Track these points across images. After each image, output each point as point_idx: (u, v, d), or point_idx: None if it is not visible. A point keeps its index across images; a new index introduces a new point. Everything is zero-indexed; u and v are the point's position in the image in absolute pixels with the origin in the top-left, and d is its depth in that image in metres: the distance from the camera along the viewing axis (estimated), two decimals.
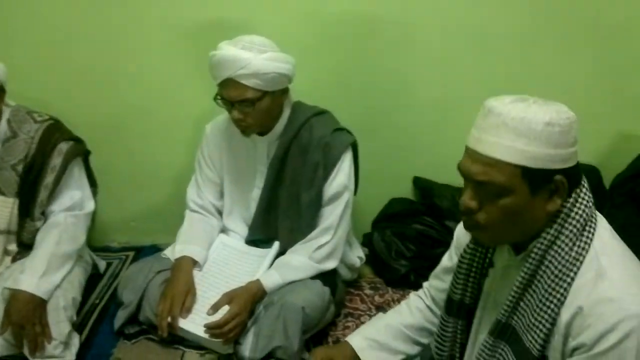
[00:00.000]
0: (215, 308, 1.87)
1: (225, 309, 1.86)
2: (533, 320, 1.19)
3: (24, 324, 1.76)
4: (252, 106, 1.86)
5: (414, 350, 1.67)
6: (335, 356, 1.68)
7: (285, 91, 1.98)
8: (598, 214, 1.24)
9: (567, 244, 1.16)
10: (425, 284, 1.73)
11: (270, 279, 1.94)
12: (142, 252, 2.55)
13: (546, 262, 1.18)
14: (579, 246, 1.16)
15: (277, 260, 2.03)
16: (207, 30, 2.25)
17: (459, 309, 1.44)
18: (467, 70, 2.37)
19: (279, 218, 2.12)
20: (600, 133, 2.47)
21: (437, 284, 1.64)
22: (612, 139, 2.50)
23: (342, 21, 2.29)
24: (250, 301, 1.89)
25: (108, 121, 2.42)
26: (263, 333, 1.82)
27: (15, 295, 1.79)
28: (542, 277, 1.18)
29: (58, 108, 2.18)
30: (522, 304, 1.23)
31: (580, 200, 1.18)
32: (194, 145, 2.23)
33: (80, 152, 2.05)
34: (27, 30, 2.26)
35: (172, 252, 2.07)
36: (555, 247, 1.17)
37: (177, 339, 1.94)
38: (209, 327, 1.82)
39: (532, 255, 1.19)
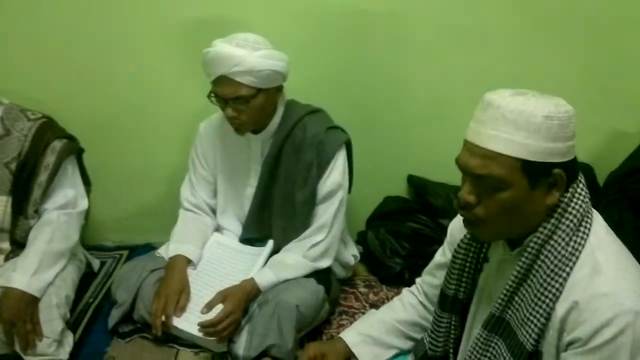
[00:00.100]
0: (209, 307, 1.87)
1: (219, 307, 1.85)
2: (527, 314, 1.19)
3: (15, 321, 1.76)
4: (246, 104, 1.86)
5: (407, 345, 1.67)
6: (328, 351, 1.68)
7: (279, 89, 1.98)
8: (594, 210, 1.24)
9: (563, 239, 1.17)
10: (418, 280, 1.73)
11: (265, 278, 1.94)
12: (136, 250, 2.55)
13: (542, 257, 1.18)
14: (575, 241, 1.17)
15: (271, 259, 2.03)
16: (201, 29, 2.24)
17: (452, 304, 1.44)
18: (461, 68, 2.37)
19: (273, 216, 2.11)
20: (594, 131, 2.47)
21: (430, 280, 1.64)
22: (606, 137, 2.51)
23: (336, 20, 2.29)
24: (244, 300, 1.88)
25: (102, 120, 2.41)
26: (257, 331, 1.82)
27: (6, 293, 1.78)
28: (537, 271, 1.19)
29: (52, 106, 2.17)
30: (516, 298, 1.23)
31: (577, 195, 1.18)
32: (187, 144, 2.22)
33: (74, 150, 2.04)
34: (22, 29, 2.24)
35: (166, 251, 2.06)
36: (552, 242, 1.17)
37: (171, 338, 1.93)
38: (203, 326, 1.82)
39: (528, 249, 1.19)
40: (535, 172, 1.13)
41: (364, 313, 2.15)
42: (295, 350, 1.84)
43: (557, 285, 1.15)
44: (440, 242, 1.64)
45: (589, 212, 1.20)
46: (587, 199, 1.20)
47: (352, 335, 1.69)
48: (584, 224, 1.18)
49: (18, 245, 1.96)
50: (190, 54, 2.19)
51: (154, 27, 2.28)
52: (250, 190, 2.12)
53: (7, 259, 1.96)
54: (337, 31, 2.31)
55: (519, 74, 2.32)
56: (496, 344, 1.28)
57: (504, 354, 1.26)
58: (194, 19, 2.26)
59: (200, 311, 1.87)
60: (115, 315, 1.97)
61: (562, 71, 2.36)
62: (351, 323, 2.05)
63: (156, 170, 2.53)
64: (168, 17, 2.26)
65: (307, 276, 1.97)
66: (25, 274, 1.81)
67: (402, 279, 2.32)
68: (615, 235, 1.24)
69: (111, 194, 2.52)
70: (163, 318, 1.86)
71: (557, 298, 1.15)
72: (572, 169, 1.18)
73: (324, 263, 2.02)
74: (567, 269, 1.15)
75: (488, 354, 1.30)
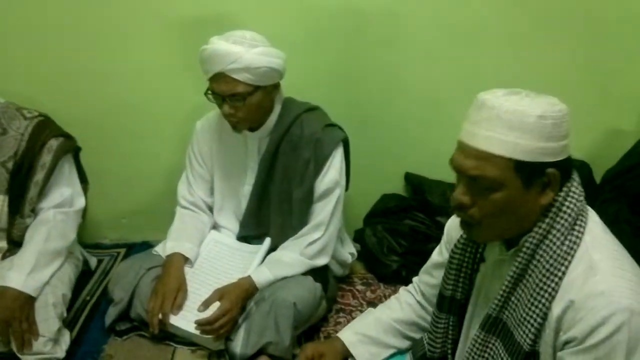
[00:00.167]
0: (206, 304, 1.87)
1: (216, 305, 1.85)
2: (524, 314, 1.19)
3: (11, 321, 1.75)
4: (242, 101, 1.86)
5: (404, 344, 1.67)
6: (326, 351, 1.68)
7: (276, 86, 1.97)
8: (589, 208, 1.24)
9: (558, 238, 1.16)
10: (415, 279, 1.73)
11: (262, 275, 1.94)
12: (134, 249, 2.55)
13: (537, 257, 1.18)
14: (570, 240, 1.17)
15: (268, 257, 2.03)
16: (197, 27, 2.24)
17: (450, 305, 1.44)
18: (458, 66, 2.37)
19: (270, 214, 2.11)
20: (591, 128, 2.48)
21: (427, 279, 1.64)
22: (603, 134, 2.51)
23: (334, 17, 2.29)
24: (241, 297, 1.88)
25: (99, 118, 2.41)
26: (254, 329, 1.83)
27: (2, 292, 1.78)
28: (533, 271, 1.19)
29: (48, 105, 2.16)
30: (513, 298, 1.23)
31: (571, 194, 1.18)
32: (184, 142, 2.22)
33: (71, 148, 2.03)
34: (17, 27, 2.24)
35: (163, 249, 2.06)
36: (547, 242, 1.17)
37: (168, 336, 1.94)
38: (200, 324, 1.82)
39: (524, 249, 1.19)
40: (528, 172, 1.13)
41: (361, 311, 2.15)
42: (292, 347, 1.85)
43: (552, 285, 1.15)
44: (437, 240, 1.64)
45: (583, 211, 1.20)
46: (581, 198, 1.20)
47: (349, 335, 1.69)
48: (578, 222, 1.18)
49: (15, 244, 1.95)
50: (187, 52, 2.19)
51: (151, 24, 2.27)
52: (247, 188, 2.12)
53: (3, 257, 1.95)
54: (334, 29, 2.31)
55: (517, 72, 2.32)
56: (494, 344, 1.28)
57: (502, 355, 1.26)
58: (190, 16, 2.26)
59: (197, 309, 1.87)
60: (112, 313, 1.97)
61: (559, 70, 2.37)
62: (348, 321, 2.06)
63: (153, 168, 2.52)
64: (165, 14, 2.26)
65: (305, 274, 1.97)
66: (22, 273, 1.81)
67: (399, 276, 2.32)
68: (611, 233, 1.24)
69: (108, 192, 2.51)
70: (160, 316, 1.86)
71: (553, 297, 1.15)
72: (566, 168, 1.18)
73: (321, 261, 2.02)
74: (563, 268, 1.15)
75: (486, 355, 1.30)
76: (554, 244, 1.16)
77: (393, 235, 2.40)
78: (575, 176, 1.21)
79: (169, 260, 2.00)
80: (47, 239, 1.91)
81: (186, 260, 2.02)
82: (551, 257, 1.16)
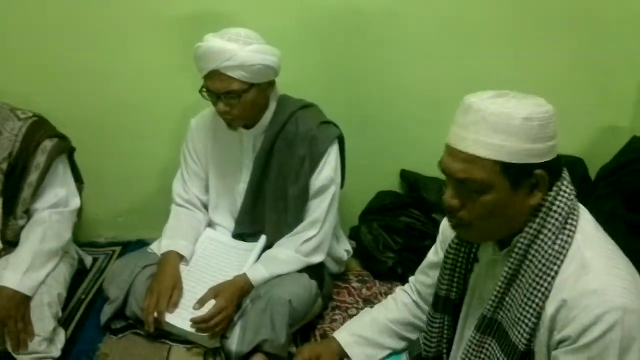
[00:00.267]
0: (201, 302, 1.87)
1: (211, 303, 1.85)
2: (519, 315, 1.19)
3: (6, 320, 1.75)
4: (238, 98, 1.86)
5: (400, 345, 1.67)
6: (322, 353, 1.68)
7: (271, 84, 1.97)
8: (581, 206, 1.24)
9: (550, 238, 1.17)
10: (411, 279, 1.73)
11: (257, 273, 1.94)
12: (129, 247, 2.55)
13: (530, 257, 1.18)
14: (561, 239, 1.17)
15: (264, 254, 2.03)
16: (192, 25, 2.23)
17: (445, 305, 1.44)
18: (458, 66, 2.37)
19: (266, 212, 2.11)
20: (586, 125, 2.49)
21: (423, 279, 1.64)
22: (598, 131, 2.52)
23: (330, 15, 2.28)
24: (237, 295, 1.88)
25: (93, 117, 2.40)
26: (250, 327, 1.82)
27: None
28: (526, 271, 1.19)
29: (43, 105, 2.16)
30: (507, 299, 1.24)
31: (562, 193, 1.18)
32: (179, 140, 2.22)
33: (65, 149, 2.02)
34: (17, 26, 2.23)
35: (159, 247, 2.06)
36: (539, 242, 1.17)
37: (163, 334, 1.93)
38: (196, 322, 1.82)
39: (516, 250, 1.19)
40: (516, 174, 1.13)
41: (357, 308, 2.16)
42: (288, 345, 1.85)
43: (545, 285, 1.15)
44: (433, 237, 1.65)
45: (575, 210, 1.20)
46: (572, 197, 1.20)
47: (345, 336, 1.70)
48: (570, 221, 1.18)
49: (10, 245, 1.95)
50: (186, 52, 2.17)
51: (150, 24, 2.27)
52: (242, 186, 2.12)
53: None
54: (330, 26, 2.31)
55: (512, 71, 2.33)
56: (490, 345, 1.29)
57: (498, 355, 1.26)
58: (190, 16, 2.25)
59: (193, 307, 1.87)
60: (107, 311, 1.97)
61: (555, 69, 2.37)
62: (344, 318, 2.07)
63: (148, 167, 2.52)
64: (164, 14, 2.26)
65: (300, 271, 1.97)
66: (17, 272, 1.80)
67: (395, 273, 2.32)
68: (603, 231, 1.24)
69: (104, 191, 2.51)
70: (155, 314, 1.86)
71: (547, 297, 1.15)
72: (555, 168, 1.18)
73: (317, 258, 2.02)
74: (555, 268, 1.15)
75: (482, 356, 1.30)
76: (546, 243, 1.17)
77: (389, 232, 2.40)
78: (566, 175, 1.21)
79: (164, 258, 1.99)
80: (43, 240, 1.90)
81: (182, 258, 2.02)
82: (543, 256, 1.16)
